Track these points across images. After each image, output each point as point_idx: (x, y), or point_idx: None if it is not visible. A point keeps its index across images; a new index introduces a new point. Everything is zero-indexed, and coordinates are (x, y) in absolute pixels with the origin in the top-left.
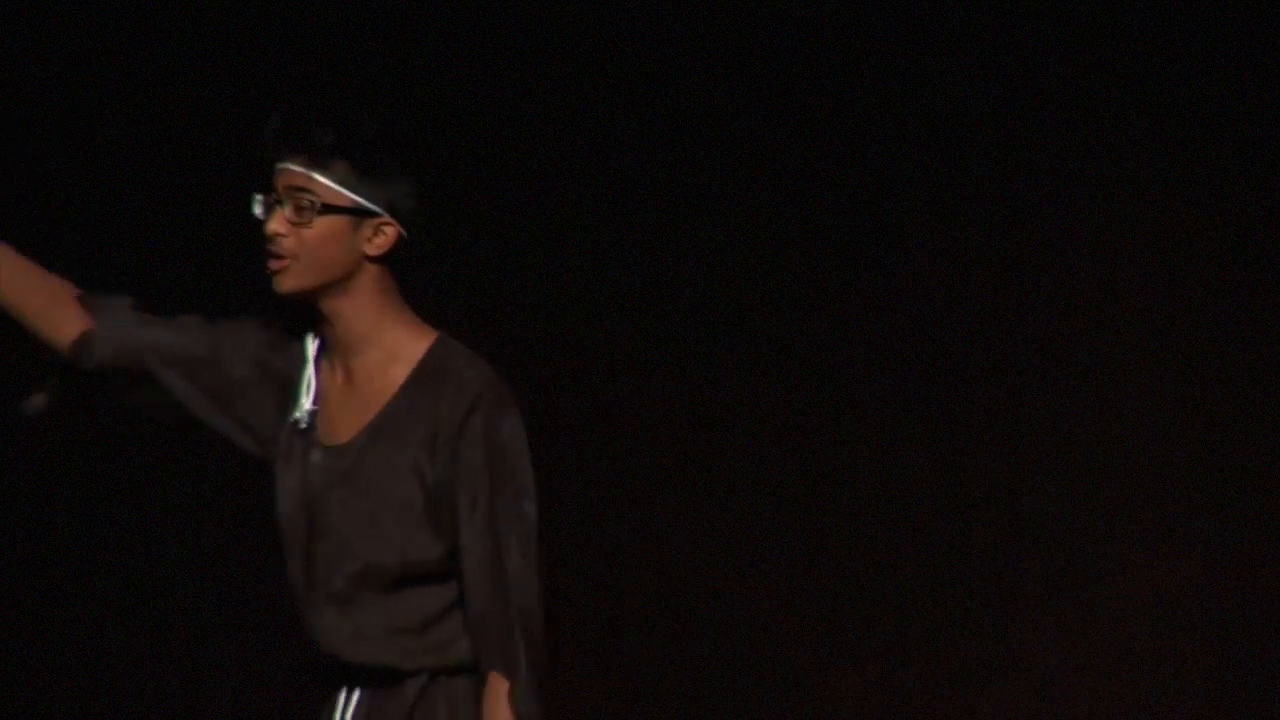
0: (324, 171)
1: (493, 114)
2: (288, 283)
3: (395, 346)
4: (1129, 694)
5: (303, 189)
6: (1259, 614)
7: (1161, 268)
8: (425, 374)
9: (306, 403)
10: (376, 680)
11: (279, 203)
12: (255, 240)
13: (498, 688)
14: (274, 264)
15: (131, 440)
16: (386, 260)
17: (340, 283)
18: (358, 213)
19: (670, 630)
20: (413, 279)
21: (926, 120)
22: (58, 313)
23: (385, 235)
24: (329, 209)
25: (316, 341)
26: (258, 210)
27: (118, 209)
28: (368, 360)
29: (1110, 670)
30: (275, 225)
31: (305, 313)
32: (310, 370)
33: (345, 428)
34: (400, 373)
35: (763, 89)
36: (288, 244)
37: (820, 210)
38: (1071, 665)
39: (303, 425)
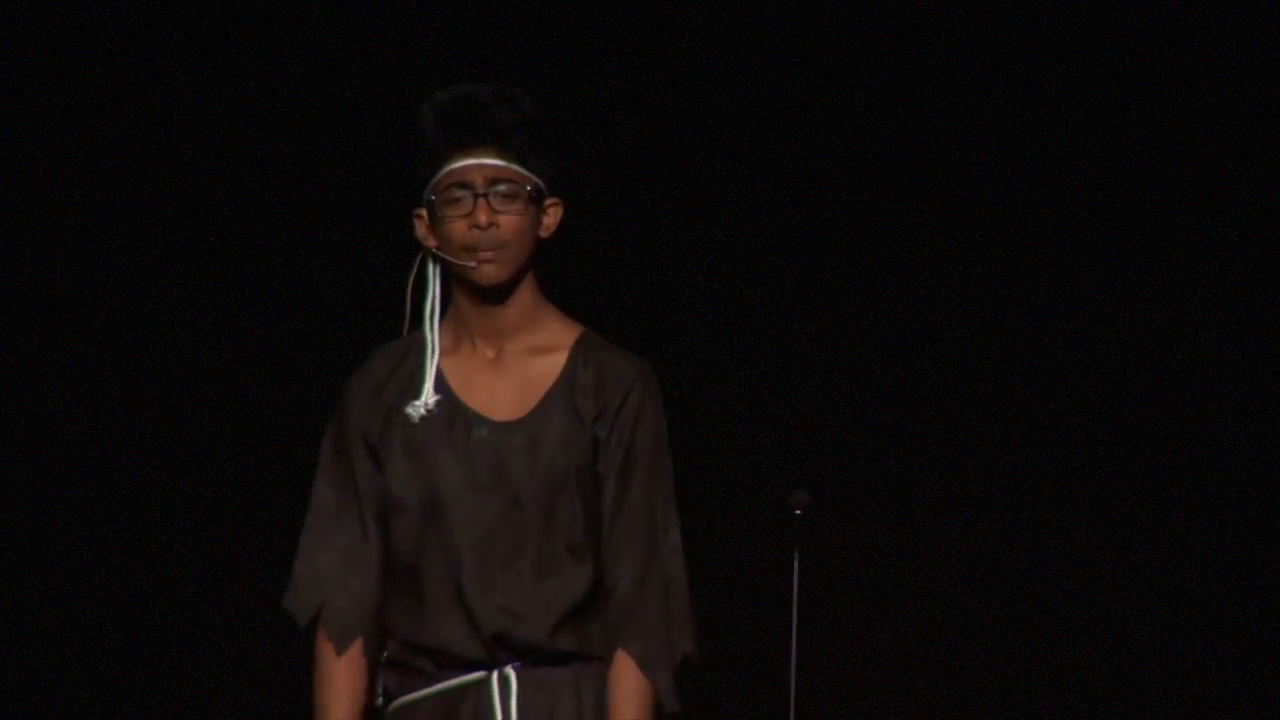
0: (516, 159)
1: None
2: (502, 273)
3: (551, 331)
4: (1132, 693)
5: (502, 179)
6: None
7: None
8: (584, 359)
9: (428, 390)
10: (536, 661)
11: (478, 195)
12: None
13: (628, 658)
14: (486, 255)
15: (131, 440)
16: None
17: (525, 266)
18: (540, 194)
19: None
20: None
21: (926, 120)
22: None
23: (553, 215)
24: (529, 195)
25: (435, 330)
26: (421, 221)
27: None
28: (524, 343)
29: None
30: (484, 216)
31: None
32: (432, 361)
33: (507, 407)
34: (560, 356)
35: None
36: (499, 233)
37: (820, 210)
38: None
39: (424, 413)
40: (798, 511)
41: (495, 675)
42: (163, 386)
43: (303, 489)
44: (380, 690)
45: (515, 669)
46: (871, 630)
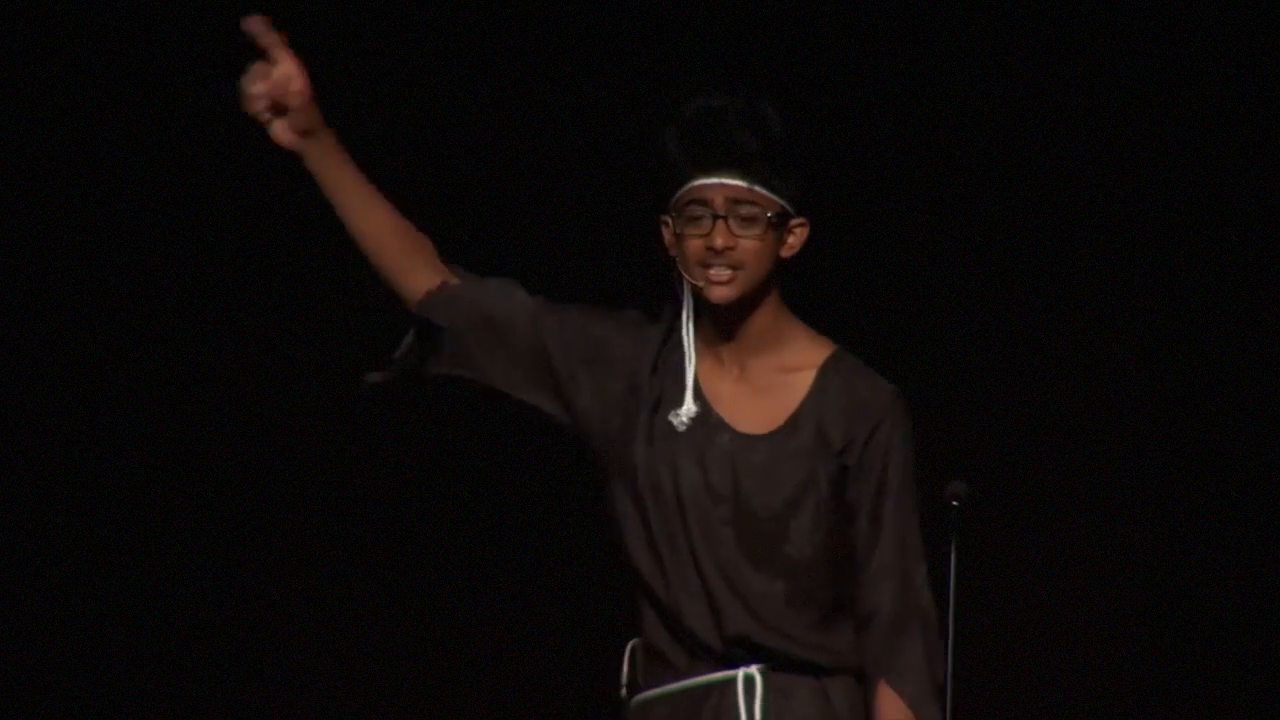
0: (759, 181)
1: None
2: (733, 292)
3: (798, 351)
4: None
5: (744, 201)
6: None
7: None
8: (833, 381)
9: (688, 399)
10: (777, 666)
11: (717, 217)
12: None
13: (894, 693)
14: (719, 275)
15: (132, 440)
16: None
17: (762, 286)
18: (784, 217)
19: None
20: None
21: (927, 120)
22: (414, 260)
23: (798, 235)
24: (770, 220)
25: (690, 335)
26: (667, 229)
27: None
28: (770, 361)
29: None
30: (722, 239)
31: (663, 308)
32: (690, 365)
33: (751, 420)
34: (807, 376)
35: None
36: (735, 255)
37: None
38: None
39: (685, 423)
40: (955, 502)
41: (741, 675)
42: (163, 386)
43: (303, 489)
44: (624, 680)
45: (760, 670)
46: (1031, 625)
